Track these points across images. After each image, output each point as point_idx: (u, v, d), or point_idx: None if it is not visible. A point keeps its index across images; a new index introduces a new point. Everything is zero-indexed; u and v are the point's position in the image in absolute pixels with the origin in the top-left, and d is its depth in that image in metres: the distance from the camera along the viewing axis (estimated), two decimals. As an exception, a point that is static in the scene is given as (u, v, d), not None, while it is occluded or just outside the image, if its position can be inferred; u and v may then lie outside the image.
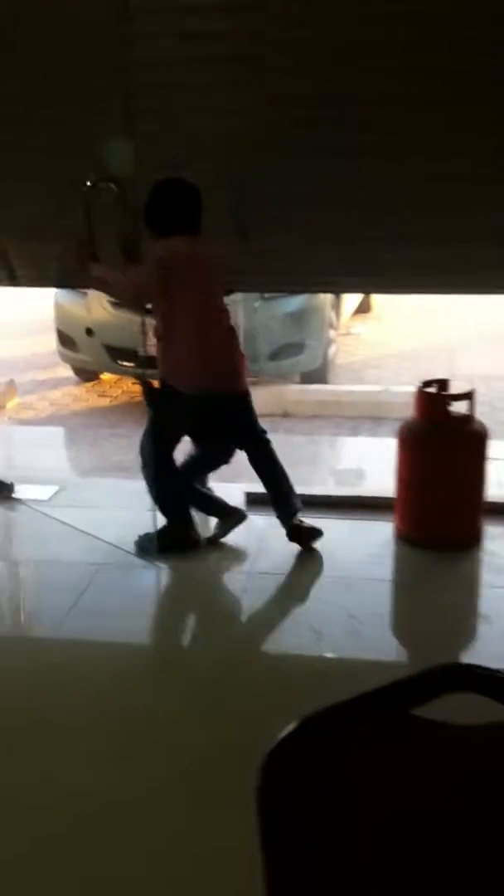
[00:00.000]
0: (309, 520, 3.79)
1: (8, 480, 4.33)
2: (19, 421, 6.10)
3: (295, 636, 3.15)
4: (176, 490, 3.74)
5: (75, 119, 3.60)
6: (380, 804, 1.14)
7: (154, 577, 3.71)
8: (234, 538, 3.85)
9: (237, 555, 3.78)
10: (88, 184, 3.52)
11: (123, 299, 3.97)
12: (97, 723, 2.70)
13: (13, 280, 4.15)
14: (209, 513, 3.89)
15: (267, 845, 1.14)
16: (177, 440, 3.75)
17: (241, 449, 3.78)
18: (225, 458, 3.82)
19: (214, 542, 3.81)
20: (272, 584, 3.52)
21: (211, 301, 3.58)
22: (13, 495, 4.29)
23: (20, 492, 4.31)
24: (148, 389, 3.69)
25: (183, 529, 3.76)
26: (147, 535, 3.78)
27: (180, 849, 2.21)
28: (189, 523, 3.78)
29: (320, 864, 1.14)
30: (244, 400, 3.75)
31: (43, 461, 5.22)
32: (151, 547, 3.73)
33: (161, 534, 3.74)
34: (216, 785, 2.39)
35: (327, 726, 1.17)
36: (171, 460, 3.71)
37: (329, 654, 3.06)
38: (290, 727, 1.15)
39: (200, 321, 3.51)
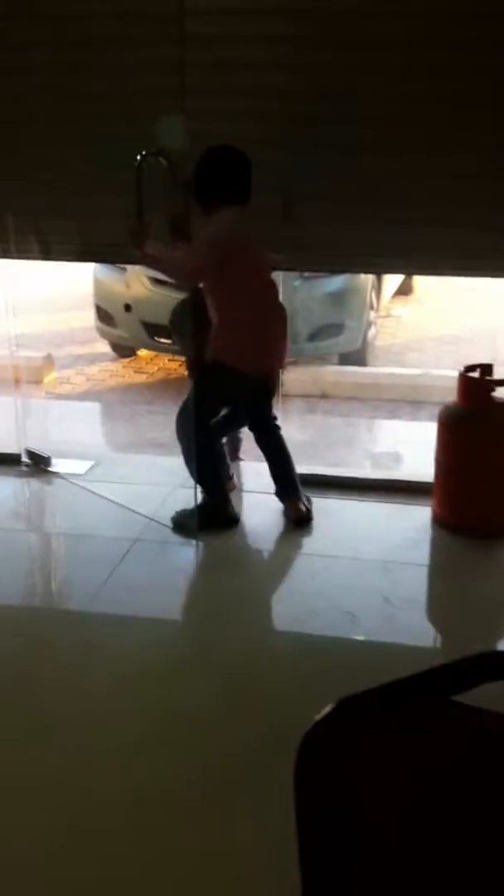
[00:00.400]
0: (345, 502, 3.75)
1: (45, 454, 4.33)
2: (56, 395, 6.12)
3: (329, 619, 3.11)
4: (216, 466, 3.73)
5: (127, 92, 3.57)
6: (417, 790, 1.12)
7: (189, 553, 3.70)
8: (271, 518, 3.83)
9: (275, 535, 3.76)
10: (139, 157, 3.48)
11: (177, 279, 3.88)
12: (126, 700, 2.70)
13: (47, 255, 4.15)
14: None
15: (303, 827, 1.12)
16: (217, 416, 3.74)
17: (252, 428, 3.82)
18: (237, 433, 3.91)
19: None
20: (307, 565, 3.49)
21: (265, 278, 3.58)
22: (50, 469, 4.30)
23: (56, 465, 4.31)
24: (198, 366, 3.66)
25: (222, 506, 3.74)
26: (185, 510, 3.78)
27: (213, 832, 2.20)
28: (227, 500, 3.77)
29: (356, 847, 1.12)
30: (278, 378, 3.79)
31: (79, 436, 5.23)
32: (190, 523, 3.71)
33: (201, 510, 3.72)
34: (249, 767, 2.38)
35: (365, 710, 1.14)
36: (213, 436, 3.70)
37: (363, 638, 3.03)
38: (327, 709, 1.13)
39: (258, 300, 3.53)
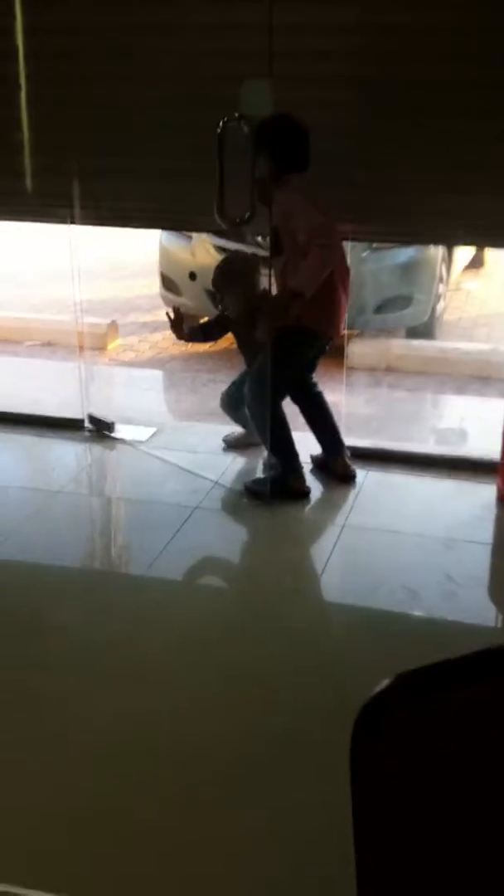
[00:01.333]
0: (409, 478, 3.73)
1: (108, 420, 4.34)
2: (120, 362, 6.14)
3: (389, 594, 3.07)
4: (290, 437, 3.73)
5: (211, 54, 3.55)
6: (476, 768, 1.08)
7: (250, 522, 3.68)
8: (331, 489, 3.79)
9: (337, 507, 3.71)
10: (221, 123, 3.46)
11: (329, 265, 3.53)
12: (182, 666, 2.70)
13: (116, 221, 4.15)
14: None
15: (359, 800, 1.09)
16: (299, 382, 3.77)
17: (298, 390, 3.82)
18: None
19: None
20: (370, 540, 3.45)
21: (339, 244, 3.59)
22: (112, 434, 4.31)
23: (119, 431, 4.33)
24: (284, 329, 3.54)
25: (296, 478, 3.75)
26: (260, 478, 3.80)
27: (271, 800, 2.19)
28: (301, 472, 3.77)
29: (413, 826, 1.08)
30: None
31: (142, 403, 5.24)
32: (264, 490, 3.71)
33: (274, 480, 3.72)
34: (307, 735, 2.37)
35: (424, 686, 1.10)
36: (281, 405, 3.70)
37: (423, 615, 2.98)
38: (385, 684, 1.10)
39: (337, 266, 3.53)
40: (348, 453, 3.91)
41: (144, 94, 3.73)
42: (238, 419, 4.10)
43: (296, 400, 3.86)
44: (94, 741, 2.38)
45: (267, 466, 3.87)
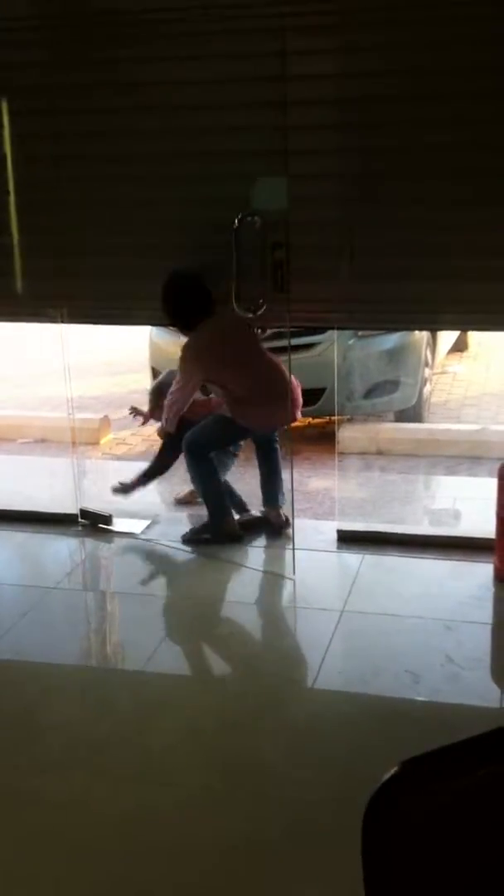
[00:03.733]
0: (404, 560, 3.75)
1: (104, 513, 4.34)
2: (113, 456, 6.17)
3: (391, 679, 3.03)
4: (220, 489, 4.18)
5: (223, 154, 3.71)
6: (484, 855, 1.06)
7: (246, 612, 3.66)
8: (328, 575, 3.78)
9: (331, 592, 3.69)
10: (237, 219, 3.66)
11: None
12: (188, 757, 2.65)
13: (108, 319, 4.24)
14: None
15: (371, 888, 1.06)
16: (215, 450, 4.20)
17: (258, 446, 4.29)
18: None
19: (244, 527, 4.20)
20: (367, 623, 3.42)
21: (254, 355, 4.04)
22: (107, 527, 4.30)
23: (114, 525, 4.32)
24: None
25: (228, 522, 4.14)
26: (195, 528, 4.20)
27: (281, 891, 2.13)
28: (231, 517, 4.16)
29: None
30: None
31: (135, 495, 5.24)
32: (202, 537, 4.12)
33: (208, 526, 4.13)
34: (314, 826, 2.32)
35: (431, 772, 1.09)
36: (212, 464, 4.15)
37: (427, 699, 2.94)
38: (392, 771, 1.08)
39: (254, 376, 3.99)
40: (283, 504, 4.23)
41: (129, 194, 3.86)
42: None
43: (258, 448, 4.29)
44: (94, 840, 2.32)
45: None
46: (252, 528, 4.21)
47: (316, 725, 2.82)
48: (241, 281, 3.72)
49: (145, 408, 4.52)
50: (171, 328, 4.31)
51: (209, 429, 4.12)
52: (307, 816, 2.37)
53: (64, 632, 3.49)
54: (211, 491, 4.16)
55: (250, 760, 2.64)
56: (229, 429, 4.12)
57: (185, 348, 4.00)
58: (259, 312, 3.78)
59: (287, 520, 4.19)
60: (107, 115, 3.80)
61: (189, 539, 4.16)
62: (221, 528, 4.12)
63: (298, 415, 4.23)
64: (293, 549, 3.96)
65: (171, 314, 3.93)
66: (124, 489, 4.45)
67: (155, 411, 4.41)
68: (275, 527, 4.19)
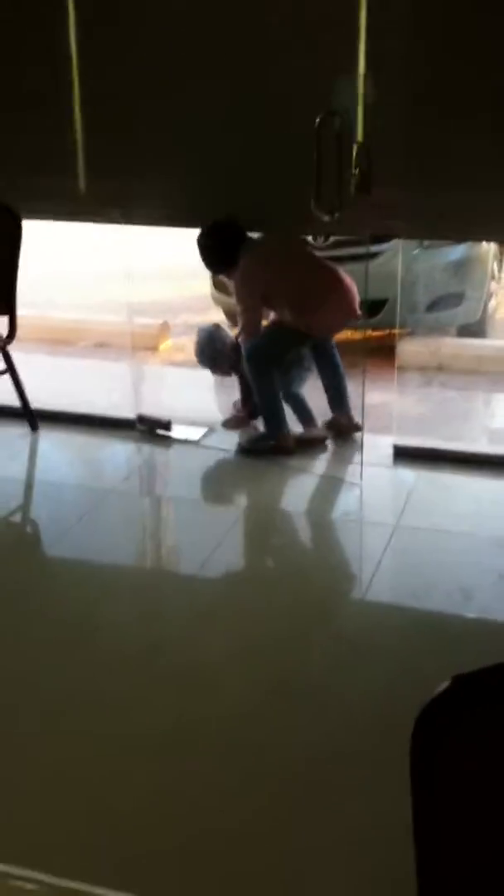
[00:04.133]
0: (461, 477, 3.75)
1: (162, 419, 4.37)
2: (171, 362, 6.18)
3: (443, 595, 3.05)
4: (279, 401, 4.18)
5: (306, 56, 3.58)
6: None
7: (302, 522, 3.69)
8: (383, 490, 3.78)
9: (385, 506, 3.70)
10: (319, 119, 3.54)
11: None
12: (238, 668, 2.71)
13: (171, 221, 4.18)
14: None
15: (419, 809, 1.08)
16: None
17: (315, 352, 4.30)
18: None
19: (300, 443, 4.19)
20: (419, 539, 3.43)
21: (308, 267, 4.14)
22: (164, 434, 4.34)
23: (171, 431, 4.35)
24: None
25: (283, 437, 4.14)
26: (253, 437, 4.23)
27: (327, 809, 2.20)
28: (287, 431, 4.17)
29: (473, 831, 1.08)
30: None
31: (193, 403, 5.26)
32: (261, 446, 4.15)
33: (265, 437, 4.16)
34: (365, 740, 2.36)
35: (483, 688, 1.10)
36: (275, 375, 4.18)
37: (478, 615, 2.95)
38: (442, 687, 1.09)
39: (311, 287, 4.07)
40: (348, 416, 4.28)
41: (202, 92, 3.75)
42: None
43: (316, 355, 4.30)
44: (145, 740, 2.41)
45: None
46: (310, 445, 4.19)
47: (366, 638, 2.86)
48: (320, 183, 3.61)
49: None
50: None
51: (269, 338, 4.14)
52: (360, 728, 2.42)
53: (121, 535, 3.56)
54: (269, 402, 4.16)
55: (301, 671, 2.69)
56: (288, 335, 4.14)
57: (236, 281, 4.12)
58: (337, 215, 3.67)
59: (357, 424, 4.22)
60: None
61: (244, 449, 4.20)
62: (276, 441, 4.14)
63: (356, 315, 4.19)
64: (361, 457, 3.95)
65: (212, 268, 4.27)
66: (236, 423, 4.46)
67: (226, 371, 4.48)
68: (345, 430, 4.24)
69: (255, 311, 4.11)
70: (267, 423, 4.20)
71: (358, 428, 4.22)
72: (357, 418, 4.21)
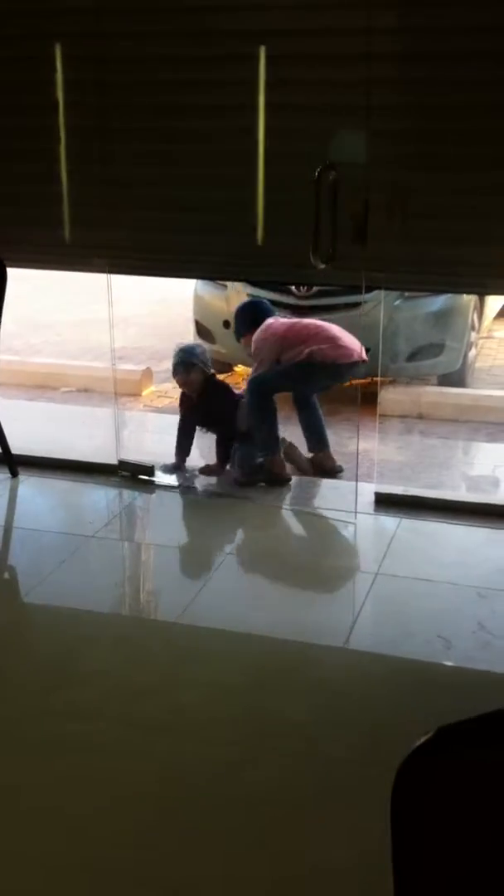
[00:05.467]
0: (441, 525, 3.73)
1: (144, 464, 4.37)
2: (154, 408, 6.20)
3: (422, 643, 3.04)
4: (275, 430, 4.46)
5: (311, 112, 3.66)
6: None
7: (284, 569, 3.68)
8: (364, 538, 3.78)
9: (367, 553, 3.70)
10: (318, 171, 3.58)
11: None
12: (218, 714, 2.69)
13: (154, 271, 4.23)
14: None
15: (399, 855, 1.08)
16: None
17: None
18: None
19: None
20: (398, 588, 3.43)
21: (307, 334, 4.58)
22: (146, 478, 4.33)
23: (153, 476, 4.36)
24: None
25: (277, 464, 4.35)
26: (247, 468, 4.36)
27: (308, 849, 2.17)
28: (280, 460, 4.39)
29: (452, 880, 1.07)
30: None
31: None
32: (257, 477, 4.31)
33: (260, 467, 4.34)
34: (344, 785, 2.35)
35: (466, 739, 1.10)
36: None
37: (458, 664, 2.95)
38: (425, 737, 1.09)
39: (317, 337, 4.54)
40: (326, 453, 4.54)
41: (190, 149, 3.83)
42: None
43: (297, 404, 4.65)
44: (128, 787, 2.37)
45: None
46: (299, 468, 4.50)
47: (346, 686, 2.85)
48: (318, 233, 3.65)
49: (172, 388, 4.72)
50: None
51: (276, 371, 4.53)
52: (337, 775, 2.40)
53: (101, 580, 3.54)
54: (266, 430, 4.38)
55: (281, 716, 2.67)
56: (294, 369, 4.52)
57: (258, 341, 4.61)
58: (331, 263, 3.71)
59: (339, 465, 4.49)
60: (167, 63, 3.75)
61: (241, 483, 4.32)
62: (271, 470, 4.34)
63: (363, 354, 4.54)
64: (356, 503, 3.98)
65: (241, 331, 4.82)
66: (211, 470, 4.58)
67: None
68: (328, 470, 4.48)
69: (269, 363, 4.59)
70: (262, 452, 4.39)
71: (340, 468, 4.47)
72: (338, 460, 4.45)
